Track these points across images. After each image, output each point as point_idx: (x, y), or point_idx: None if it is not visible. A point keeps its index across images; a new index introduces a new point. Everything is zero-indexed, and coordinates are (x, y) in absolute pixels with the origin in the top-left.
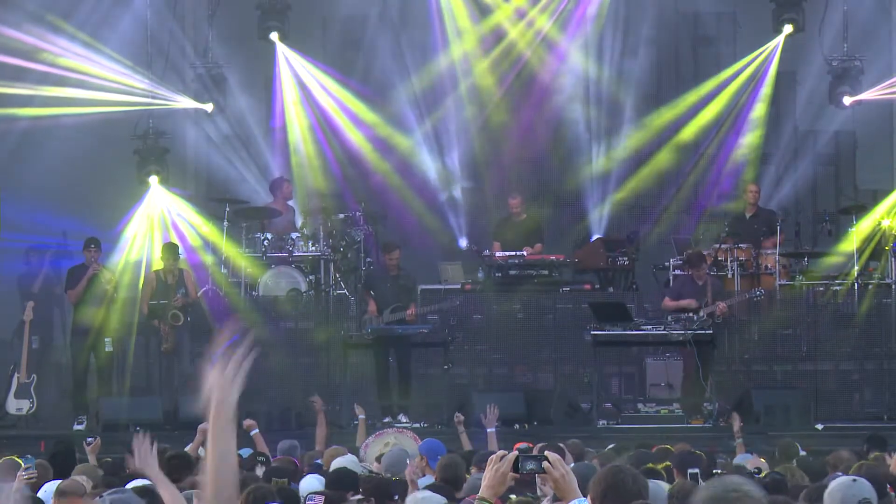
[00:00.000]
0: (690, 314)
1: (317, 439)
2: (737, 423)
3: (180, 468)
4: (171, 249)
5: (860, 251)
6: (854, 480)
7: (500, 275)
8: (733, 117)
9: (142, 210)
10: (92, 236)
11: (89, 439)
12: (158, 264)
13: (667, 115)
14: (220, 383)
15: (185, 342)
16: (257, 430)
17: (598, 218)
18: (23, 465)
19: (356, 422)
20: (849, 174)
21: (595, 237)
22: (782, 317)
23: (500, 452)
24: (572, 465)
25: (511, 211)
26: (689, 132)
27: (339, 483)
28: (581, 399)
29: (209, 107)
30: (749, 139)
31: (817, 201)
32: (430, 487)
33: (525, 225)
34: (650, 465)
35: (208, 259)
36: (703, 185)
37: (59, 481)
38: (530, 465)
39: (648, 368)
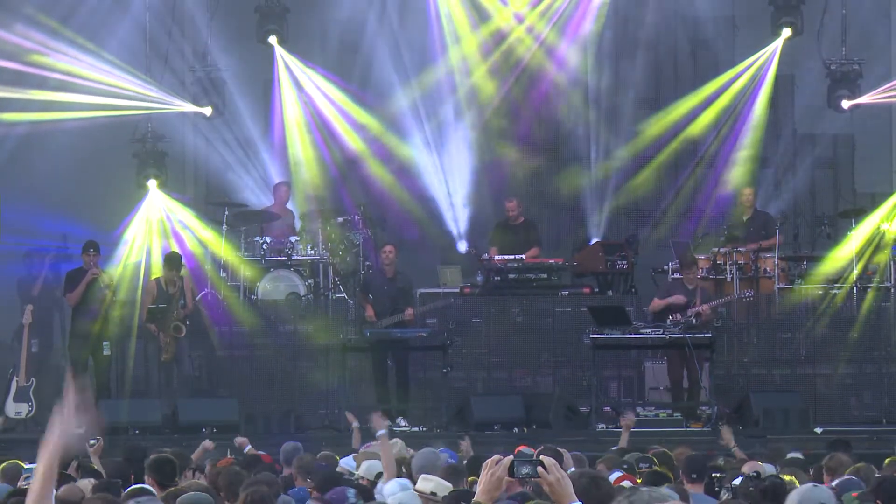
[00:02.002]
0: (678, 315)
1: None
2: (727, 436)
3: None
4: (173, 259)
5: (859, 255)
6: (815, 486)
7: (499, 278)
8: (732, 120)
9: (141, 214)
10: (90, 240)
11: (92, 441)
12: (159, 271)
13: (665, 118)
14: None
15: (184, 346)
16: (250, 447)
17: (597, 221)
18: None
19: (355, 425)
20: (847, 178)
21: (594, 241)
22: (781, 320)
23: (496, 457)
24: (572, 469)
25: (507, 215)
26: (687, 135)
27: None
28: (580, 402)
29: (208, 110)
30: (747, 142)
31: (816, 205)
32: None
33: (522, 228)
34: (660, 468)
35: (207, 263)
36: (702, 189)
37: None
38: (525, 470)
39: (647, 372)
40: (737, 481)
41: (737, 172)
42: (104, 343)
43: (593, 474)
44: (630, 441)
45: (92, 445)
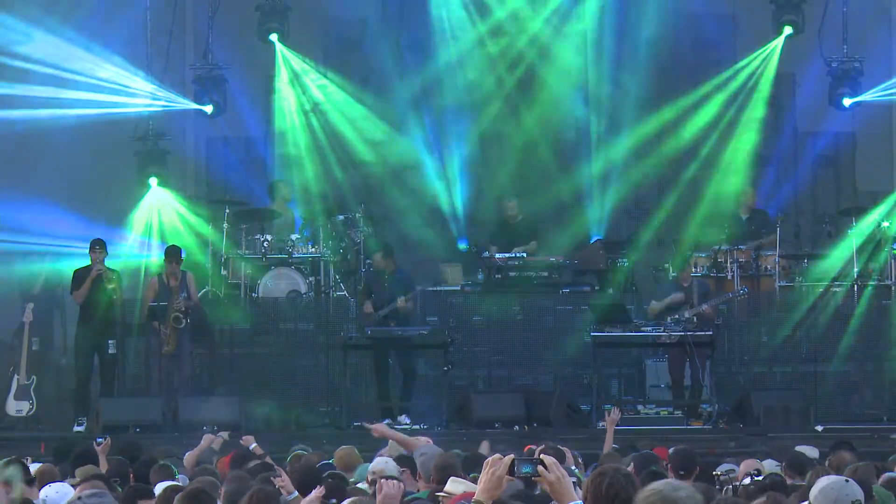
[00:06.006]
0: (677, 316)
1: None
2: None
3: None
4: (173, 253)
5: (860, 253)
6: (847, 481)
7: (499, 276)
8: (732, 118)
9: (142, 211)
10: (98, 237)
11: (99, 439)
12: (160, 267)
13: (666, 116)
14: None
15: (185, 344)
16: (255, 445)
17: (598, 219)
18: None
19: (356, 423)
20: (848, 176)
21: (595, 239)
22: (782, 318)
23: (496, 456)
24: (573, 467)
25: (507, 213)
26: (688, 133)
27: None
28: (581, 400)
29: (209, 108)
30: (748, 141)
31: (817, 203)
32: None
33: (521, 227)
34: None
35: (208, 261)
36: (703, 187)
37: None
38: (526, 469)
39: (648, 370)
40: (746, 481)
41: (737, 171)
42: (109, 342)
43: (627, 473)
44: (628, 440)
45: (99, 444)
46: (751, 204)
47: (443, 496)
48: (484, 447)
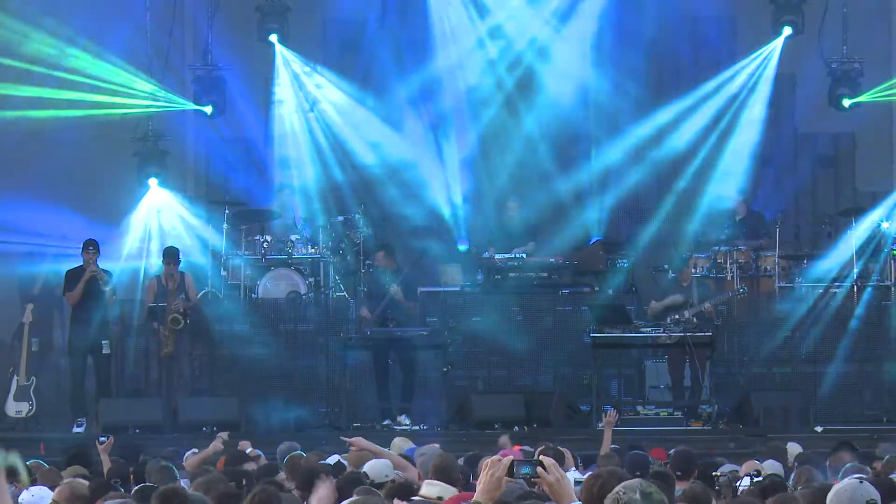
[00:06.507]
0: (677, 316)
1: None
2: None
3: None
4: (171, 254)
5: (859, 253)
6: (861, 482)
7: (499, 277)
8: (732, 119)
9: (141, 212)
10: (90, 238)
11: (101, 438)
12: (159, 269)
13: (666, 116)
14: None
15: (184, 345)
16: (251, 449)
17: (598, 220)
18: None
19: (356, 424)
20: (848, 176)
21: (594, 239)
22: (781, 319)
23: (496, 457)
24: (572, 469)
25: (507, 214)
26: (687, 134)
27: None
28: (580, 401)
29: (208, 109)
30: (748, 141)
31: (816, 203)
32: None
33: (520, 227)
34: (657, 468)
35: (207, 261)
36: (702, 188)
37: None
38: (525, 470)
39: (648, 371)
40: (746, 481)
41: (734, 172)
42: (103, 342)
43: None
44: (628, 441)
45: (101, 443)
46: (741, 209)
47: (418, 500)
48: (503, 442)
